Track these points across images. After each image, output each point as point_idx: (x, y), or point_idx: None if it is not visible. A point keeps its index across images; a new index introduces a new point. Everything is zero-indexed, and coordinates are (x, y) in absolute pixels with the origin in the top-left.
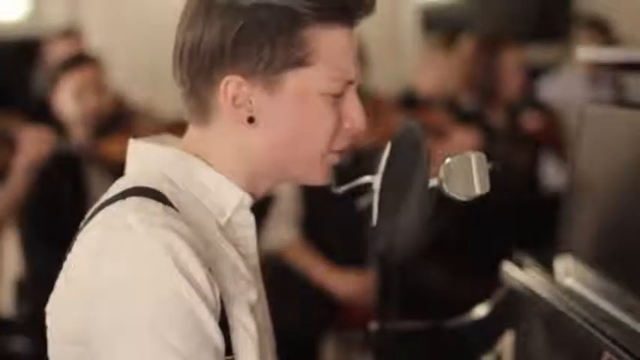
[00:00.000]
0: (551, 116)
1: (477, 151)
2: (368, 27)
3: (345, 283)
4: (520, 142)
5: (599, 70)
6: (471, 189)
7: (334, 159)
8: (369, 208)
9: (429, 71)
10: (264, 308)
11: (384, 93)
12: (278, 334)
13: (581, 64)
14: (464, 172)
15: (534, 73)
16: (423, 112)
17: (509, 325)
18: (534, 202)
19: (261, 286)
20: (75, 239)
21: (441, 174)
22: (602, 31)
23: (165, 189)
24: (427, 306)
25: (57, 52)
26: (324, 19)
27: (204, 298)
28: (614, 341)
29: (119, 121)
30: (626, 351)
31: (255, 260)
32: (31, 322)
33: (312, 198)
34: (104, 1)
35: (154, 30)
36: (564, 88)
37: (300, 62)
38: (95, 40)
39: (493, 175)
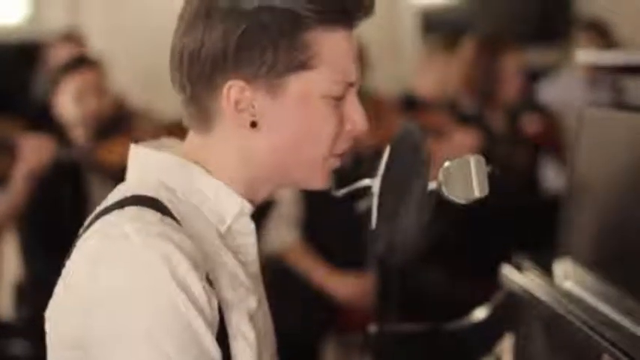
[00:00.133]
0: (550, 119)
1: (476, 155)
2: (368, 29)
3: (344, 286)
4: (520, 145)
5: (598, 72)
6: (470, 192)
7: (335, 163)
8: (369, 211)
9: (429, 74)
10: (265, 312)
11: (384, 95)
12: (278, 336)
13: (580, 67)
14: (463, 176)
15: (534, 76)
16: (422, 114)
17: (508, 328)
18: (534, 204)
19: (261, 290)
20: (74, 245)
21: (440, 177)
22: (602, 34)
23: (164, 198)
24: (426, 308)
25: (58, 56)
26: (325, 21)
27: (201, 312)
28: (613, 344)
29: (119, 124)
30: (625, 354)
31: (255, 267)
32: (30, 326)
33: (312, 201)
34: (104, 4)
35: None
36: (563, 91)
37: (303, 65)
38: (95, 44)
39: (492, 178)
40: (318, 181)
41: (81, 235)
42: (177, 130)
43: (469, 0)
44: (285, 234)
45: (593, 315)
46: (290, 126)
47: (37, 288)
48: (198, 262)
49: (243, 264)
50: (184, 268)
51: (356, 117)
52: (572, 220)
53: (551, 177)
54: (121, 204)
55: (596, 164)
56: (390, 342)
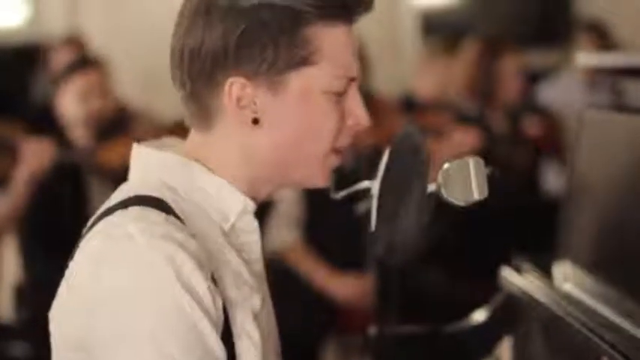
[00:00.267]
0: (551, 121)
1: (475, 157)
2: (368, 30)
3: (344, 287)
4: (520, 146)
5: (598, 75)
6: (469, 194)
7: (335, 161)
8: (368, 212)
9: (429, 75)
10: (269, 311)
11: (384, 95)
12: (280, 335)
13: (580, 69)
14: (462, 178)
15: (534, 78)
16: (422, 115)
17: (507, 329)
18: (533, 206)
19: (265, 290)
20: (77, 246)
21: (440, 179)
22: (602, 36)
23: (167, 197)
24: (426, 310)
25: (60, 58)
26: (325, 17)
27: (206, 312)
28: (612, 346)
29: (120, 125)
30: (624, 356)
31: (259, 266)
32: (30, 328)
33: (312, 202)
34: (104, 6)
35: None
36: (563, 93)
37: (304, 61)
38: (95, 46)
39: (492, 180)
40: (319, 179)
41: (84, 235)
42: (178, 131)
43: (469, 2)
44: (285, 234)
45: (593, 317)
46: (292, 122)
47: (37, 290)
48: (202, 261)
49: (247, 262)
50: (189, 269)
51: (358, 112)
52: (571, 221)
53: (552, 179)
54: (125, 204)
55: (595, 166)
56: (389, 344)
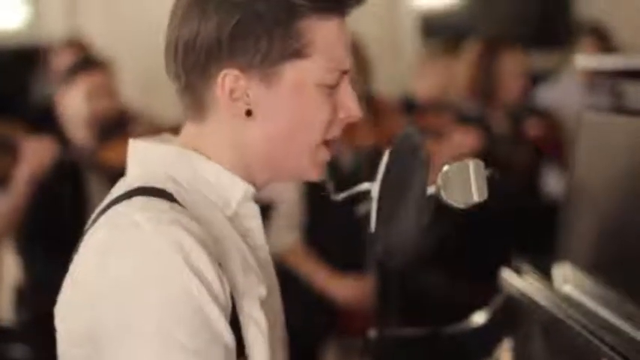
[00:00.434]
0: (551, 122)
1: (475, 159)
2: (368, 31)
3: (345, 289)
4: (520, 148)
5: (597, 77)
6: (468, 196)
7: (326, 154)
8: (368, 214)
9: (429, 76)
10: (276, 300)
11: (384, 97)
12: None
13: (579, 71)
14: (462, 180)
15: (533, 79)
16: (423, 116)
17: (507, 332)
18: (533, 208)
19: (273, 278)
20: (80, 242)
21: (439, 181)
22: (602, 38)
23: (170, 188)
24: (426, 312)
25: (62, 60)
26: (319, 10)
27: (215, 297)
28: (612, 348)
29: (120, 126)
30: (624, 358)
31: (264, 252)
32: (30, 329)
33: (313, 203)
34: (103, 8)
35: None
36: (563, 95)
37: (297, 54)
38: (94, 47)
39: (492, 182)
40: (311, 172)
41: (87, 230)
42: (176, 133)
43: (469, 3)
44: (285, 236)
45: (593, 319)
46: (284, 114)
47: (37, 291)
48: (209, 247)
49: (253, 249)
50: (197, 253)
51: (350, 104)
52: (571, 223)
53: (551, 180)
54: (129, 195)
55: (595, 168)
56: (390, 346)
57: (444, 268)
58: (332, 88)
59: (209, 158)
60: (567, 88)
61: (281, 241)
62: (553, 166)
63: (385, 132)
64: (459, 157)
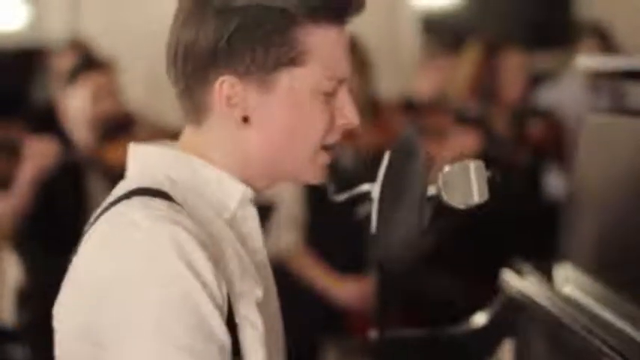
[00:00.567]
0: (553, 123)
1: (476, 160)
2: (369, 31)
3: (346, 291)
4: (522, 149)
5: (599, 78)
6: (469, 197)
7: (326, 158)
8: (369, 215)
9: (429, 77)
10: (273, 302)
11: (384, 97)
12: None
13: (581, 72)
14: (463, 181)
15: (534, 80)
16: (423, 116)
17: (508, 332)
18: (534, 209)
19: (270, 280)
20: (80, 242)
21: (440, 182)
22: (603, 39)
23: (168, 189)
24: (427, 313)
25: (64, 62)
26: (315, 18)
27: (212, 296)
28: (613, 349)
29: (123, 127)
30: (625, 359)
31: (261, 255)
32: (31, 331)
33: (313, 204)
34: (105, 10)
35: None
36: (564, 96)
37: (293, 61)
38: (96, 49)
39: (493, 183)
40: (311, 176)
41: (87, 230)
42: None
43: (470, 4)
44: (286, 237)
45: (593, 320)
46: (280, 121)
47: (38, 293)
48: (208, 247)
49: (250, 252)
50: (195, 253)
51: (348, 111)
52: (572, 224)
53: (553, 181)
54: (128, 196)
55: (597, 169)
56: (390, 347)
57: (445, 269)
58: (329, 96)
59: (208, 162)
60: (569, 89)
61: (282, 242)
62: (554, 167)
63: (385, 133)
64: (459, 158)
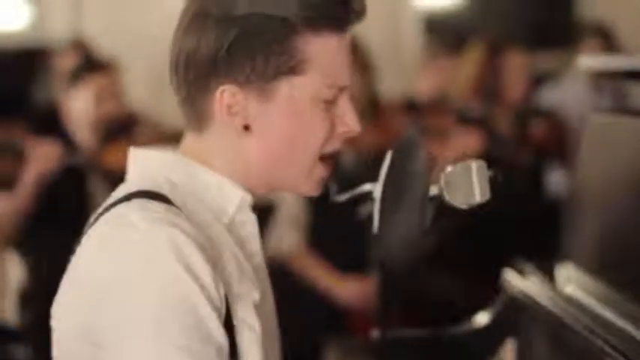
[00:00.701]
0: (555, 123)
1: (478, 160)
2: (370, 31)
3: (348, 291)
4: (524, 149)
5: (601, 78)
6: (471, 197)
7: (323, 171)
8: (370, 216)
9: (431, 77)
10: (270, 309)
11: (386, 97)
12: (281, 337)
13: (583, 72)
14: (464, 181)
15: (537, 81)
16: (425, 116)
17: (510, 332)
18: (536, 209)
19: (266, 286)
20: (78, 244)
21: (442, 182)
22: (606, 39)
23: (167, 192)
24: (429, 313)
25: (65, 62)
26: (316, 27)
27: (209, 298)
28: (615, 349)
29: (126, 128)
30: (627, 359)
31: (258, 259)
32: (33, 331)
33: (315, 204)
34: (107, 10)
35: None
36: (567, 96)
37: (293, 70)
38: (98, 49)
39: (494, 183)
40: (307, 188)
41: (85, 232)
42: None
43: (472, 4)
44: (287, 237)
45: (595, 320)
46: (280, 129)
47: (41, 293)
48: (206, 249)
49: (248, 255)
50: (192, 255)
51: (349, 119)
52: (574, 224)
53: (555, 181)
54: (127, 198)
55: (599, 169)
56: (392, 347)
57: (447, 269)
58: (330, 103)
59: (209, 168)
60: (571, 89)
61: (284, 242)
62: (556, 167)
63: (387, 133)
64: (461, 158)
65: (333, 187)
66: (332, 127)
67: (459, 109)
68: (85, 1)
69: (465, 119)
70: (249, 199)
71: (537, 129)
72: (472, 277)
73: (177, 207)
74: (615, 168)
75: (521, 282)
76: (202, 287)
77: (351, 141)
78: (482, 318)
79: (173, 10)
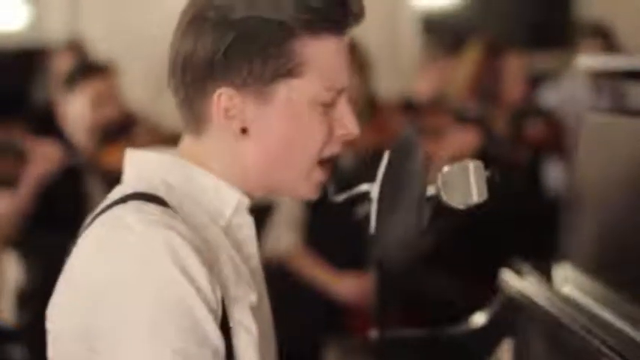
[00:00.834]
0: (553, 123)
1: (475, 160)
2: (368, 31)
3: (346, 288)
4: (521, 148)
5: (599, 78)
6: (468, 197)
7: (321, 175)
8: (368, 216)
9: (429, 77)
10: (266, 311)
11: (384, 97)
12: (279, 339)
13: (582, 72)
14: (462, 181)
15: (536, 81)
16: (423, 116)
17: (507, 332)
18: (534, 209)
19: (262, 288)
20: (74, 245)
21: (439, 182)
22: (605, 39)
23: (164, 194)
24: (426, 313)
25: (61, 63)
26: (313, 30)
27: (205, 300)
28: (612, 349)
29: (123, 130)
30: (624, 359)
31: (255, 262)
32: (31, 331)
33: (312, 204)
34: (105, 10)
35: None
36: (565, 96)
37: (291, 73)
38: (96, 50)
39: (492, 183)
40: (305, 190)
41: (81, 233)
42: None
43: (470, 4)
44: (285, 237)
45: (592, 320)
46: (278, 132)
47: (38, 293)
48: (202, 252)
49: (245, 258)
50: (188, 257)
51: (347, 122)
52: (572, 224)
53: (553, 181)
54: (124, 200)
55: (597, 169)
56: (390, 347)
57: (444, 269)
58: (328, 106)
59: (207, 170)
60: (569, 89)
61: (281, 243)
62: (554, 167)
63: (385, 132)
64: (458, 158)
65: (331, 188)
66: (330, 130)
67: (457, 109)
68: (83, 1)
69: (462, 119)
70: (246, 202)
71: (533, 129)
72: (469, 277)
73: (173, 209)
74: (613, 168)
75: (518, 282)
76: (198, 290)
77: (348, 142)
78: (479, 318)
79: (172, 11)
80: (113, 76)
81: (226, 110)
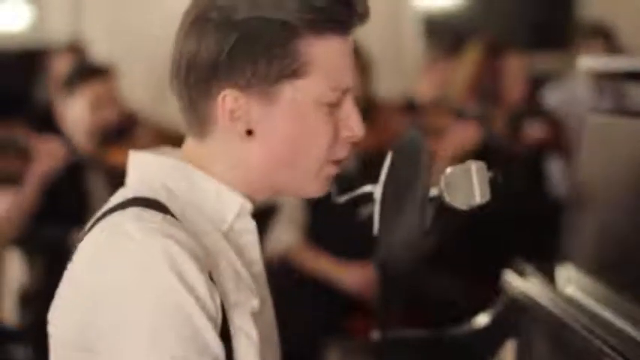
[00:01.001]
0: (555, 124)
1: (477, 161)
2: (370, 32)
3: (352, 276)
4: (523, 149)
5: (601, 79)
6: (471, 198)
7: (332, 171)
8: (371, 217)
9: (431, 77)
10: (269, 316)
11: (386, 98)
12: (281, 339)
13: (583, 73)
14: (464, 182)
15: (537, 82)
16: (425, 116)
17: (510, 333)
18: (536, 209)
19: (266, 293)
20: (75, 248)
21: (442, 183)
22: (606, 39)
23: (165, 199)
24: (429, 314)
25: (61, 65)
26: (317, 29)
27: (204, 308)
28: (614, 350)
29: (125, 131)
30: (626, 359)
31: (258, 267)
32: (33, 331)
33: (315, 205)
34: (107, 11)
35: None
36: (567, 97)
37: (295, 73)
38: (98, 51)
39: (494, 184)
40: (314, 189)
41: (82, 237)
42: (180, 144)
43: (472, 5)
44: (288, 237)
45: (595, 320)
46: (283, 133)
47: (40, 294)
48: (201, 259)
49: (247, 263)
50: (186, 265)
51: (352, 122)
52: (574, 225)
53: (555, 182)
54: (123, 205)
55: (599, 170)
56: (393, 347)
57: (447, 270)
58: (333, 107)
59: (209, 174)
60: (571, 90)
61: (282, 243)
62: (557, 168)
63: (387, 133)
64: (459, 154)
65: (333, 189)
66: (336, 130)
67: (457, 109)
68: (85, 2)
69: (462, 117)
70: (248, 206)
71: (532, 130)
72: (472, 278)
73: (173, 215)
74: (614, 168)
75: (521, 283)
76: (197, 298)
77: (352, 143)
78: (482, 319)
79: (174, 11)
80: (112, 79)
81: (232, 112)
